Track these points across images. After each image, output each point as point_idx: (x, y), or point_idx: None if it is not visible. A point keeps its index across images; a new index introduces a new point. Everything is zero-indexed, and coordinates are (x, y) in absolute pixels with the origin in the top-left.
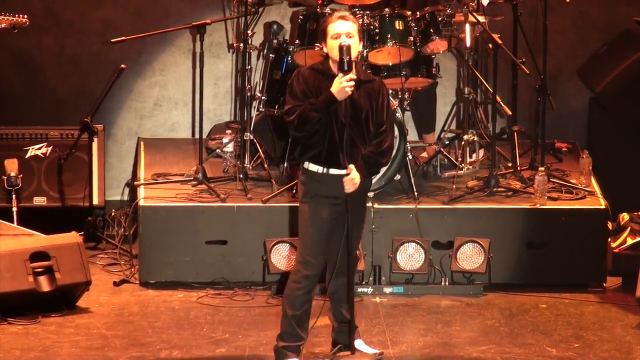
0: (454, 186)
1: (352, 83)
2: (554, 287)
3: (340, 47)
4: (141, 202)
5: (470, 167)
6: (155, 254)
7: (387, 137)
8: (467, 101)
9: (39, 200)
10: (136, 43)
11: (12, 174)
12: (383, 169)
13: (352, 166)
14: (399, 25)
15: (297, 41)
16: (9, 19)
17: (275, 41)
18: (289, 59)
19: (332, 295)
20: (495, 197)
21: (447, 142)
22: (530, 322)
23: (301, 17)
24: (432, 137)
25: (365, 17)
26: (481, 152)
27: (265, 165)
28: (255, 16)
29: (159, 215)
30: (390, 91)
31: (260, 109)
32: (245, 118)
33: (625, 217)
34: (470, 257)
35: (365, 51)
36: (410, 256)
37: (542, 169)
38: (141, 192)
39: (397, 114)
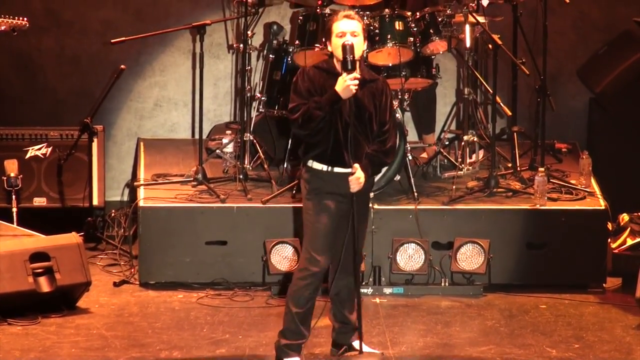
0: (454, 187)
1: (357, 82)
2: (554, 288)
3: (344, 46)
4: (141, 203)
5: (470, 167)
6: (155, 255)
7: (391, 137)
8: (467, 102)
9: (39, 201)
10: (136, 44)
11: (12, 174)
12: (383, 169)
13: (357, 165)
14: (398, 25)
15: (297, 42)
16: (9, 21)
17: (275, 42)
18: (289, 59)
19: (334, 296)
20: (495, 198)
21: (447, 143)
22: (530, 322)
23: (301, 17)
24: (432, 138)
25: (365, 18)
26: (481, 153)
27: (265, 166)
28: (255, 17)
29: (158, 216)
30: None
31: (260, 110)
32: (245, 119)
33: (625, 217)
34: (470, 257)
35: (365, 52)
36: (410, 257)
37: (542, 169)
38: (141, 192)
39: (397, 115)
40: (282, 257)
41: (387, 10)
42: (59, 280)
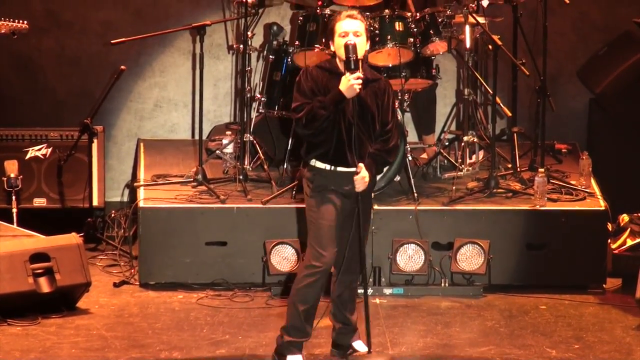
0: (454, 187)
1: (360, 81)
2: (554, 289)
3: (346, 46)
4: (141, 204)
5: (470, 168)
6: (155, 255)
7: (393, 136)
8: (467, 102)
9: (39, 202)
10: (136, 44)
11: (12, 175)
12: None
13: (361, 164)
14: (398, 26)
15: (297, 42)
16: (9, 24)
17: (275, 42)
18: (289, 60)
19: (336, 297)
20: (495, 199)
21: (447, 143)
22: (530, 323)
23: (301, 18)
24: (431, 138)
25: (366, 18)
26: (481, 154)
27: (265, 167)
28: (255, 17)
29: (158, 217)
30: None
31: (260, 110)
32: (245, 119)
33: (625, 218)
34: (470, 258)
35: (366, 52)
36: (410, 257)
37: (541, 170)
38: (141, 193)
39: (397, 115)
40: (282, 257)
41: (387, 10)
42: (59, 281)
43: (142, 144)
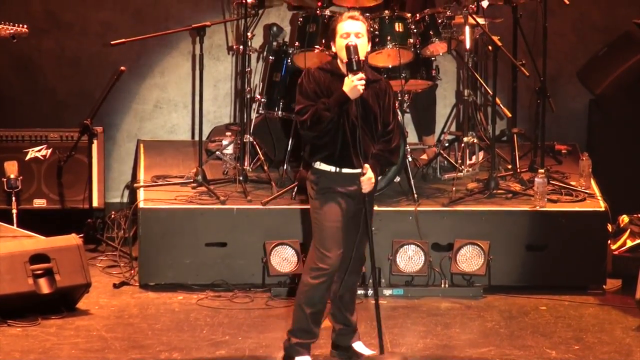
0: (454, 188)
1: (364, 82)
2: (554, 289)
3: (348, 47)
4: (141, 204)
5: (470, 169)
6: (155, 256)
7: (395, 136)
8: (466, 103)
9: (39, 203)
10: (136, 45)
11: (12, 176)
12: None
13: (367, 165)
14: (398, 27)
15: (296, 43)
16: (9, 28)
17: (275, 43)
18: (289, 61)
19: (337, 298)
20: (495, 199)
21: (446, 144)
22: (530, 324)
23: (301, 19)
24: (431, 139)
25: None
26: (481, 154)
27: (265, 168)
28: (255, 18)
29: (158, 217)
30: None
31: (260, 111)
32: (245, 120)
33: (625, 219)
34: (470, 259)
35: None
36: (410, 258)
37: (541, 171)
38: (141, 194)
39: (397, 116)
40: (282, 258)
41: (386, 11)
42: (58, 282)
43: (142, 145)
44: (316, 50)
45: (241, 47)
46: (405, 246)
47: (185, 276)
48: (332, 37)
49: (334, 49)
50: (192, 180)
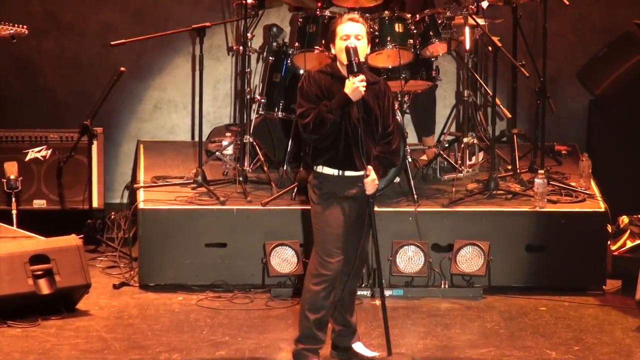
0: (454, 189)
1: (365, 83)
2: (554, 290)
3: (348, 49)
4: (141, 205)
5: (470, 169)
6: (154, 257)
7: (395, 137)
8: (466, 104)
9: (39, 203)
10: (136, 46)
11: (12, 176)
12: None
13: (370, 167)
14: (398, 28)
15: (296, 44)
16: (8, 28)
17: (274, 44)
18: (289, 61)
19: (338, 300)
20: (495, 200)
21: (446, 145)
22: (529, 324)
23: (301, 20)
24: (431, 140)
25: (366, 20)
26: (481, 155)
27: (265, 168)
28: (255, 19)
29: (158, 218)
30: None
31: (260, 112)
32: (245, 121)
33: (624, 219)
34: (469, 259)
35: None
36: (410, 259)
37: (541, 171)
38: (141, 194)
39: (397, 117)
40: (282, 259)
41: (386, 12)
42: (58, 283)
43: (141, 146)
44: (316, 51)
45: (241, 47)
46: (405, 247)
47: (185, 277)
48: (332, 39)
49: (333, 51)
50: (192, 181)
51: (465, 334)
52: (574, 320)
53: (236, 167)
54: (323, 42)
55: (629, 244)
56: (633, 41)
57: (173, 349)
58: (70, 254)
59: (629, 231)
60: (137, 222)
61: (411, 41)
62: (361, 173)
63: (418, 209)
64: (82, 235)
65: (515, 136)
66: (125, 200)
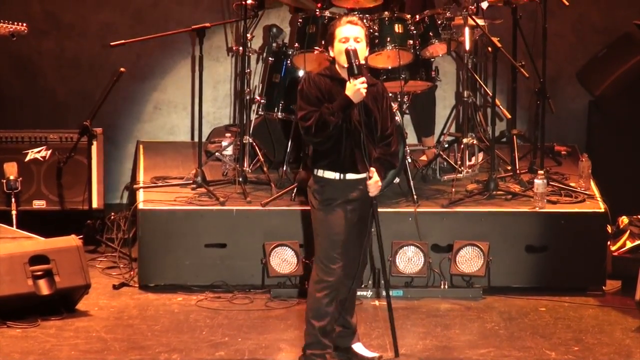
0: (454, 189)
1: (366, 85)
2: (554, 291)
3: (347, 52)
4: (140, 206)
5: (470, 170)
6: (154, 257)
7: (394, 140)
8: (466, 104)
9: (39, 204)
10: (136, 46)
11: (12, 177)
12: None
13: (373, 169)
14: (398, 28)
15: (296, 44)
16: (8, 26)
17: (274, 44)
18: (288, 62)
19: (339, 301)
20: (495, 201)
21: (446, 146)
22: (529, 325)
23: (300, 20)
24: (431, 141)
25: (365, 21)
26: (480, 156)
27: (265, 169)
28: (255, 20)
29: (158, 219)
30: (389, 94)
31: (260, 113)
32: (245, 121)
33: (624, 220)
34: (469, 260)
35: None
36: (410, 259)
37: (541, 172)
38: (140, 195)
39: (396, 117)
40: (282, 260)
41: (386, 13)
42: (58, 283)
43: (141, 146)
44: (316, 52)
45: (241, 48)
46: (404, 247)
47: (185, 277)
48: (331, 42)
49: (332, 54)
50: (191, 182)
51: (465, 334)
52: (574, 321)
53: (236, 168)
54: (323, 42)
55: (629, 245)
56: (633, 42)
57: (173, 349)
58: (70, 254)
59: (628, 231)
60: (137, 222)
61: (411, 42)
62: (363, 176)
63: (418, 210)
64: (81, 236)
65: (515, 137)
66: (125, 201)
